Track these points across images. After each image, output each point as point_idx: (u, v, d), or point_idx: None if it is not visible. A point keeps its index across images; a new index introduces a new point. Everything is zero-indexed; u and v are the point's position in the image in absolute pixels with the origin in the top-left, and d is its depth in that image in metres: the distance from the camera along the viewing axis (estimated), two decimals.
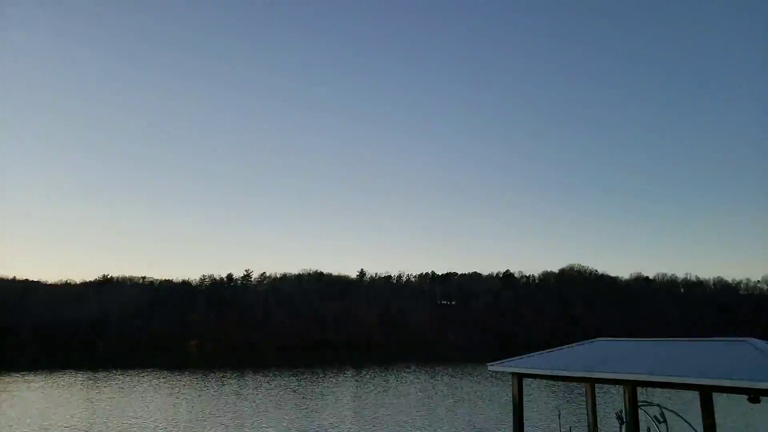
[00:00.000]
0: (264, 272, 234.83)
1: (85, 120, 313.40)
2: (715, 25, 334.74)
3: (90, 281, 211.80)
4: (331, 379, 71.17)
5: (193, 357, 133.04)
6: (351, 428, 33.66)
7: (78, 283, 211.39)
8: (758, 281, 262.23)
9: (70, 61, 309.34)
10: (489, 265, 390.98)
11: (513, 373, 20.55)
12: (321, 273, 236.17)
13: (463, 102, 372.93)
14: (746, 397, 16.91)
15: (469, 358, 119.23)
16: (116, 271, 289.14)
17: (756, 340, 16.53)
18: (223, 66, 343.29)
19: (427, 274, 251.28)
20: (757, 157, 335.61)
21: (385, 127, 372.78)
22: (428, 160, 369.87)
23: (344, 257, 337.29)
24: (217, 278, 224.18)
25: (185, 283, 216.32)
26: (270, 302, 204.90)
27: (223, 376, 73.15)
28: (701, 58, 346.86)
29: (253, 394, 52.99)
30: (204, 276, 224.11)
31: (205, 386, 59.69)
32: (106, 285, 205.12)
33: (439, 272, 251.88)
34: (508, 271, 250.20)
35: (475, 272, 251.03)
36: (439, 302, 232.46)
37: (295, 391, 55.32)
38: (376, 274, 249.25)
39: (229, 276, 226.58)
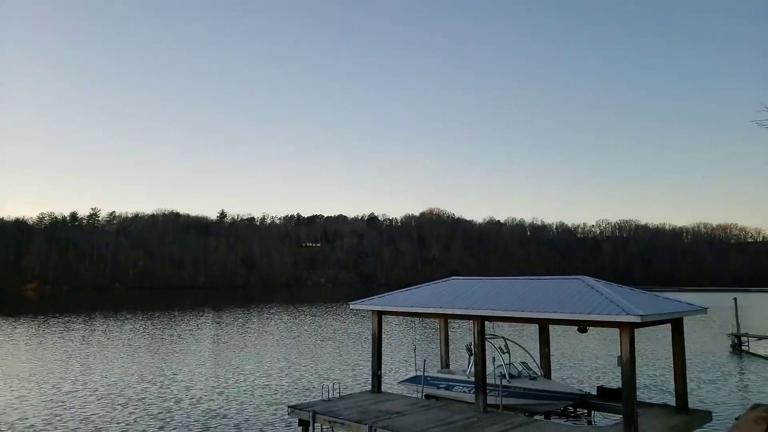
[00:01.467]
0: (113, 211, 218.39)
1: None
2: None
3: None
4: (190, 321, 68.83)
5: (31, 301, 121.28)
6: (210, 372, 32.87)
7: None
8: (593, 225, 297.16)
9: None
10: (354, 208, 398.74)
11: (373, 311, 21.09)
12: (177, 213, 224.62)
13: (317, 51, 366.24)
14: (576, 327, 18.86)
15: (335, 297, 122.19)
16: None
17: (588, 277, 18.29)
18: None
19: (292, 216, 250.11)
20: (585, 112, 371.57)
21: (245, 64, 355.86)
22: (293, 104, 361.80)
23: (203, 197, 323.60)
24: (59, 217, 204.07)
25: (19, 222, 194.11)
26: (122, 243, 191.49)
27: (68, 321, 67.56)
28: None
29: (102, 339, 49.61)
30: (42, 214, 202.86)
31: (47, 333, 54.70)
32: None
33: (305, 214, 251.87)
34: (372, 213, 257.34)
35: (341, 215, 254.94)
36: (304, 244, 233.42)
37: (150, 335, 52.74)
38: (238, 215, 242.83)
39: (73, 215, 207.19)
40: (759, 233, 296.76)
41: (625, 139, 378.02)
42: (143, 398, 25.60)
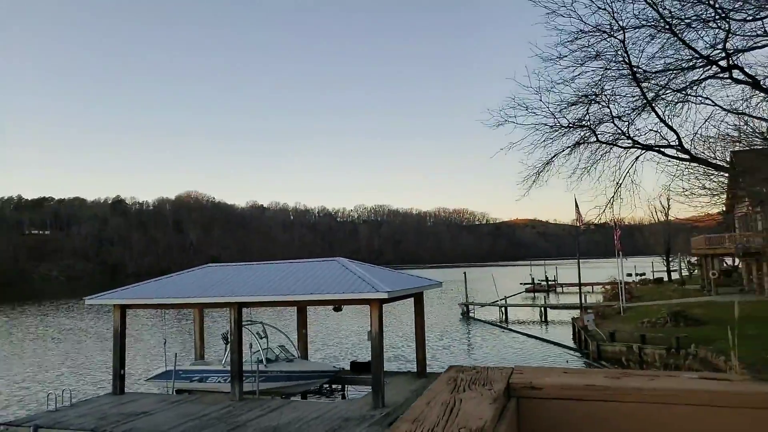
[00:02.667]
0: None
1: None
2: None
3: None
4: None
5: None
6: None
7: None
8: (351, 210, 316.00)
9: None
10: (96, 190, 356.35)
11: (114, 305, 18.87)
12: None
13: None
14: (332, 307, 19.47)
15: (71, 292, 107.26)
16: None
17: (343, 259, 19.00)
18: None
19: (11, 198, 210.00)
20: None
21: None
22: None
23: None
24: None
25: None
26: None
27: None
28: None
29: None
30: None
31: None
32: None
33: (29, 197, 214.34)
34: (119, 196, 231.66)
35: (78, 197, 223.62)
36: (27, 231, 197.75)
37: None
38: None
39: None
40: (484, 217, 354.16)
41: (365, 133, 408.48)
42: None
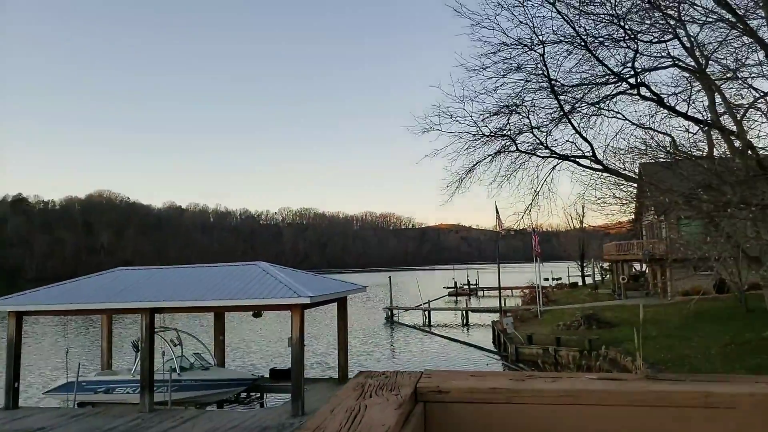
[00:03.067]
0: None
1: None
2: None
3: None
4: None
5: None
6: None
7: None
8: (275, 213, 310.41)
9: None
10: None
11: (9, 312, 17.35)
12: None
13: None
14: (251, 313, 18.83)
15: None
16: None
17: (264, 263, 18.42)
18: None
19: None
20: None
21: None
22: None
23: None
24: None
25: None
26: None
27: None
28: None
29: None
30: None
31: None
32: None
33: None
34: (20, 194, 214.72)
35: None
36: None
37: None
38: None
39: None
40: (410, 221, 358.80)
41: (290, 134, 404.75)
42: None
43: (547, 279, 72.05)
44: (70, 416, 15.85)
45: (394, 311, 49.40)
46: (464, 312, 46.67)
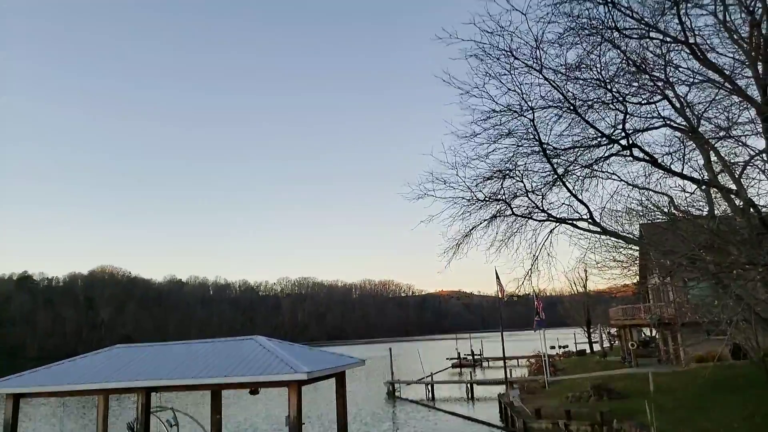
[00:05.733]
0: None
1: None
2: None
3: None
4: None
5: None
6: None
7: None
8: (274, 283, 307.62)
9: None
10: (0, 266, 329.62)
11: (7, 395, 16.91)
12: None
13: None
14: (248, 390, 18.24)
15: None
16: None
17: (261, 337, 18.03)
18: None
19: None
20: None
21: None
22: None
23: None
24: None
25: None
26: None
27: None
28: None
29: None
30: None
31: None
32: None
33: None
34: (25, 272, 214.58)
35: None
36: None
37: None
38: None
39: None
40: (410, 288, 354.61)
41: (287, 204, 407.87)
42: None
43: (553, 347, 70.50)
44: None
45: (396, 385, 47.94)
46: (469, 385, 45.24)
